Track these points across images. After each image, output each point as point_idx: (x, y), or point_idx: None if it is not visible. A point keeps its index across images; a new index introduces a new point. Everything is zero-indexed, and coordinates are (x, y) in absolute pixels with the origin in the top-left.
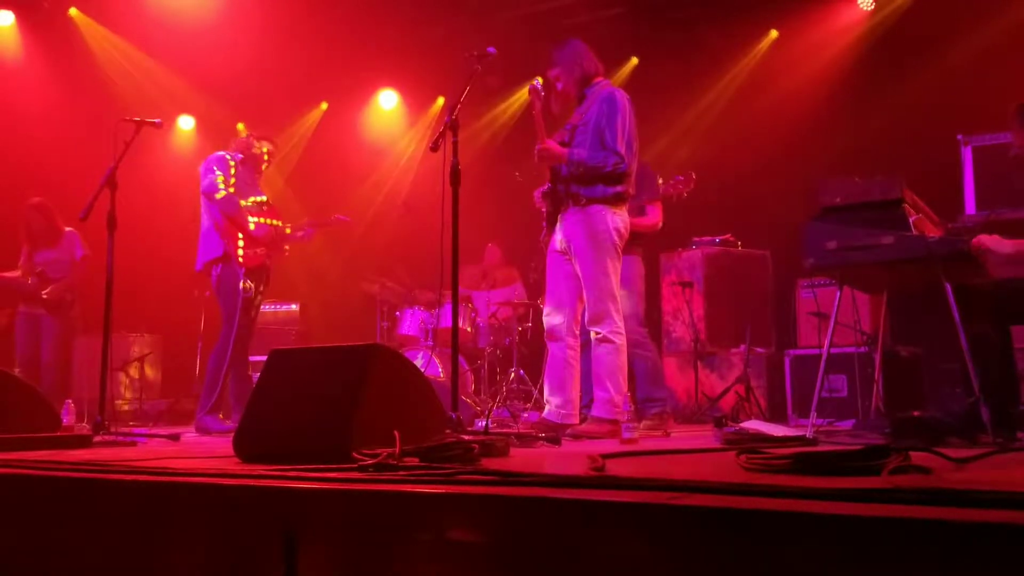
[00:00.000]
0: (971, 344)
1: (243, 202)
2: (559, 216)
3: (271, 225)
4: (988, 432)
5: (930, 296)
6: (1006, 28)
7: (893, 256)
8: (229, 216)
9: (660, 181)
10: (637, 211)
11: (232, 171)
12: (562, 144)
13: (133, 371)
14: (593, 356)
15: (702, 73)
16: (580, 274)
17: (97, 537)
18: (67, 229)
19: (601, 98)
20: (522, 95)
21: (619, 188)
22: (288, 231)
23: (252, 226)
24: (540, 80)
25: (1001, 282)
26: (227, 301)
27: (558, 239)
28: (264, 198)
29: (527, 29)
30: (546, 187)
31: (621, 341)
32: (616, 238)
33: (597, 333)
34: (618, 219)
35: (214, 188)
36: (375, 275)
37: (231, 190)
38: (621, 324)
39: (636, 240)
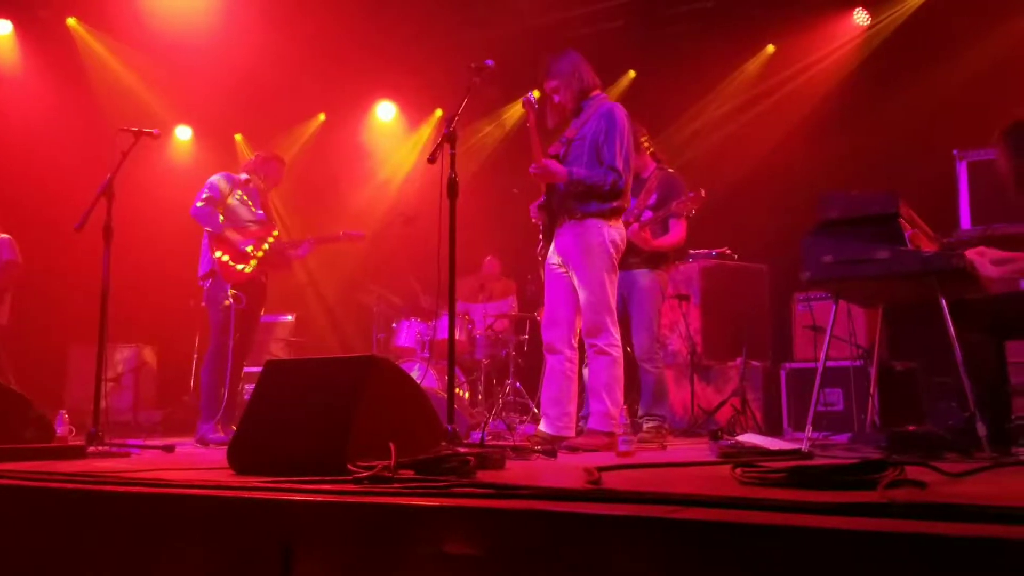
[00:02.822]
0: (966, 358)
1: (240, 219)
2: (555, 230)
3: (256, 241)
4: (983, 446)
5: (925, 310)
6: (1002, 44)
7: (889, 270)
8: (207, 225)
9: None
10: (661, 228)
11: (228, 191)
12: (556, 157)
13: (127, 382)
14: (590, 368)
15: (699, 87)
16: (577, 287)
17: (90, 550)
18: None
19: (600, 113)
20: (520, 108)
21: (615, 203)
22: (269, 243)
23: (237, 239)
24: (536, 93)
25: (995, 297)
26: (215, 314)
27: (554, 252)
28: (263, 216)
29: (526, 42)
30: (541, 200)
31: (618, 353)
32: (612, 250)
33: (594, 345)
34: (614, 232)
35: (199, 211)
36: (372, 286)
37: (209, 208)
38: (618, 336)
39: (660, 258)
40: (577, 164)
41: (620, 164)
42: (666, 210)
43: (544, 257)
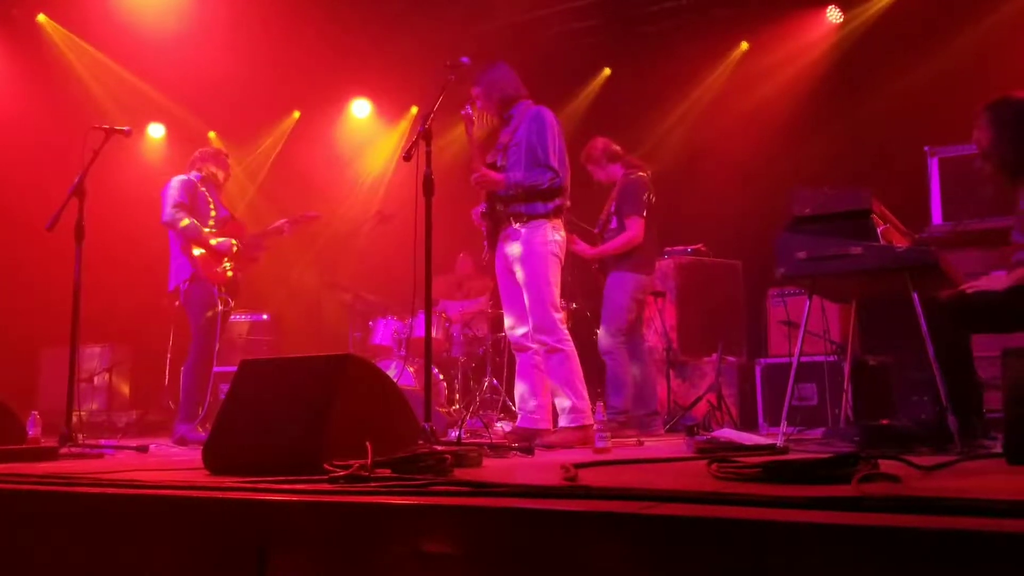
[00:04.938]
0: (938, 353)
1: (209, 222)
2: (500, 234)
3: (229, 240)
4: (955, 440)
5: (898, 305)
6: (972, 41)
7: (862, 266)
8: (193, 241)
9: (647, 197)
10: (617, 227)
11: (194, 193)
12: (494, 165)
13: (100, 382)
14: (546, 368)
15: (673, 85)
16: (523, 287)
17: (62, 552)
18: None
19: (529, 117)
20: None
21: (557, 202)
22: (235, 248)
23: (215, 243)
24: (472, 108)
25: (963, 291)
26: (197, 317)
27: (501, 257)
28: (226, 214)
29: (501, 40)
30: (483, 207)
31: (570, 348)
32: (556, 249)
33: (544, 344)
34: (556, 233)
35: (174, 219)
36: (348, 285)
37: (189, 220)
38: (566, 332)
39: (619, 260)
40: (516, 168)
41: (555, 162)
42: (618, 216)
43: (491, 261)
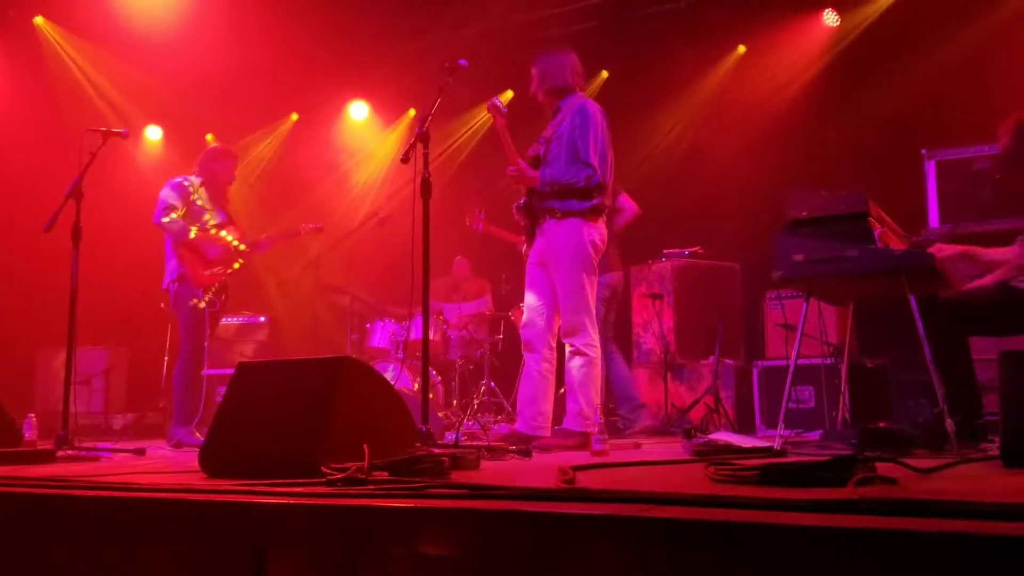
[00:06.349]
0: (935, 355)
1: (203, 223)
2: (536, 229)
3: (223, 245)
4: (952, 442)
5: (895, 308)
6: (969, 44)
7: (858, 269)
8: (179, 240)
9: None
10: None
11: (190, 194)
12: (536, 158)
13: (97, 384)
14: (566, 368)
15: (671, 87)
16: (556, 287)
17: (60, 555)
18: None
19: (574, 111)
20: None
21: (594, 201)
22: (241, 247)
23: (193, 236)
24: (503, 97)
25: (960, 293)
26: (185, 318)
27: (535, 252)
28: (225, 218)
29: (499, 42)
30: (522, 201)
31: (595, 354)
32: (591, 251)
33: (571, 345)
34: (594, 232)
35: (161, 216)
36: (345, 287)
37: (177, 215)
38: (596, 337)
39: None
40: (556, 163)
41: (595, 159)
42: None
43: (527, 256)
